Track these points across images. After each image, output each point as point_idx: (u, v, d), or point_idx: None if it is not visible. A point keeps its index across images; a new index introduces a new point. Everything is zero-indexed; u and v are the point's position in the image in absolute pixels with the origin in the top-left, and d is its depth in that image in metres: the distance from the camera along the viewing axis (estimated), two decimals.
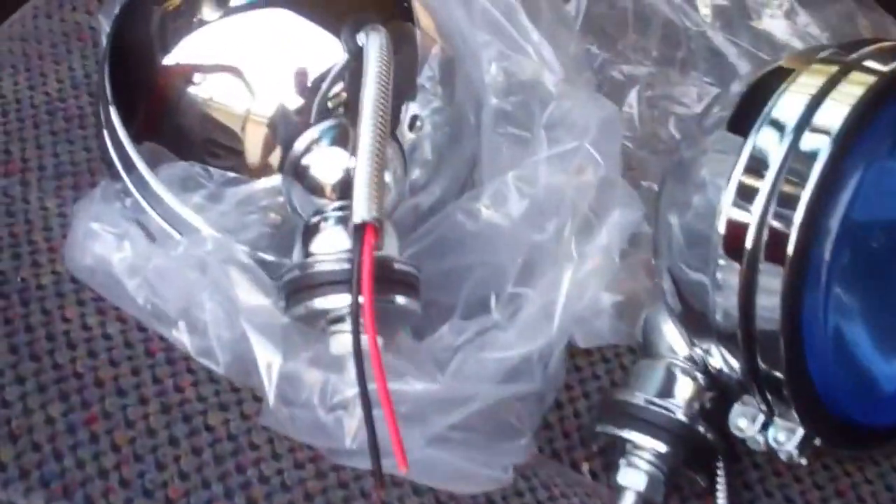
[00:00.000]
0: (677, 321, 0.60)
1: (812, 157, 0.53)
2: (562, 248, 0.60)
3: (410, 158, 0.60)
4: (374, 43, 0.55)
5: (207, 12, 0.59)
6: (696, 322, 0.58)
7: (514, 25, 0.64)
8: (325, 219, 0.55)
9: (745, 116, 0.57)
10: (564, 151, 0.60)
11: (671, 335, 0.61)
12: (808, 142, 0.53)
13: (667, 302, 0.60)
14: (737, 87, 0.59)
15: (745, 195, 0.54)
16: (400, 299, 0.54)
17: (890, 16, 0.86)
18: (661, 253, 0.60)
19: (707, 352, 0.59)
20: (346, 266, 0.52)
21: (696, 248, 0.57)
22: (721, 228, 0.55)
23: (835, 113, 0.53)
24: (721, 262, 0.55)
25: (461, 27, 0.64)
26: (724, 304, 0.55)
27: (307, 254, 0.55)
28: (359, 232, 0.51)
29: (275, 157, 0.58)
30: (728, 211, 0.55)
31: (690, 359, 0.61)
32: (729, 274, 0.55)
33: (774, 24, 0.82)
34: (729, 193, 0.55)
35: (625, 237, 0.61)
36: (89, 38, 0.76)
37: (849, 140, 0.53)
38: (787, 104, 0.55)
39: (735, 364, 0.57)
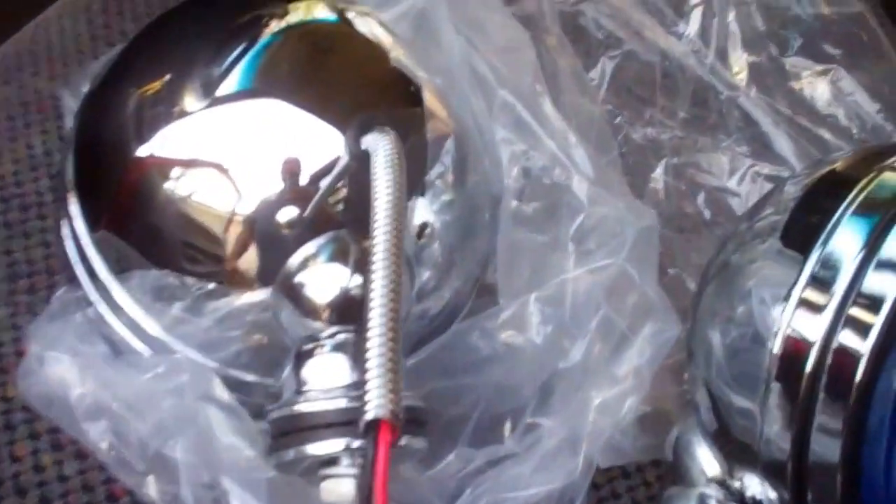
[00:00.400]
0: (713, 444, 0.54)
1: (888, 277, 0.47)
2: (588, 374, 0.52)
3: (418, 260, 0.52)
4: (383, 152, 0.47)
5: (191, 101, 0.52)
6: (737, 449, 0.52)
7: (536, 117, 0.56)
8: (321, 346, 0.48)
9: (802, 228, 0.51)
10: (596, 268, 0.53)
11: (705, 459, 0.55)
12: (885, 259, 0.47)
13: (702, 420, 0.54)
14: (791, 189, 0.53)
15: (806, 317, 0.48)
16: (406, 440, 0.46)
17: None
18: (698, 364, 0.54)
19: (746, 481, 0.52)
20: (344, 405, 0.45)
21: (742, 369, 0.51)
22: (777, 351, 0.48)
23: None
24: (774, 388, 0.49)
25: (477, 117, 0.57)
26: (775, 433, 0.49)
27: (299, 386, 0.47)
28: (371, 430, 0.43)
29: (263, 268, 0.50)
30: (785, 333, 0.48)
31: (726, 487, 0.54)
32: (783, 402, 0.48)
33: (815, 87, 0.75)
34: (787, 314, 0.48)
35: (660, 358, 0.54)
36: (51, 108, 0.67)
37: None
38: (859, 214, 0.49)
39: (778, 497, 0.51)
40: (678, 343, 0.56)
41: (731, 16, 0.76)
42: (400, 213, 0.46)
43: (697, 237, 0.69)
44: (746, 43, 0.75)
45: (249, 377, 0.53)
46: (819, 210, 0.51)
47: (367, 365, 0.43)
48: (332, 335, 0.48)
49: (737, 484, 0.53)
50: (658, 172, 0.71)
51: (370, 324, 0.44)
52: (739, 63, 0.75)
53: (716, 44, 0.76)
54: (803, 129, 0.72)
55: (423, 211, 0.53)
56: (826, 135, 0.73)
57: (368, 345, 0.43)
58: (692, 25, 0.77)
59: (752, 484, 0.52)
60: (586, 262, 0.54)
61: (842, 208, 0.50)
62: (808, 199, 0.53)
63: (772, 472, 0.50)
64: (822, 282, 0.48)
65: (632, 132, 0.73)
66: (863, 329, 0.46)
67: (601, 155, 0.62)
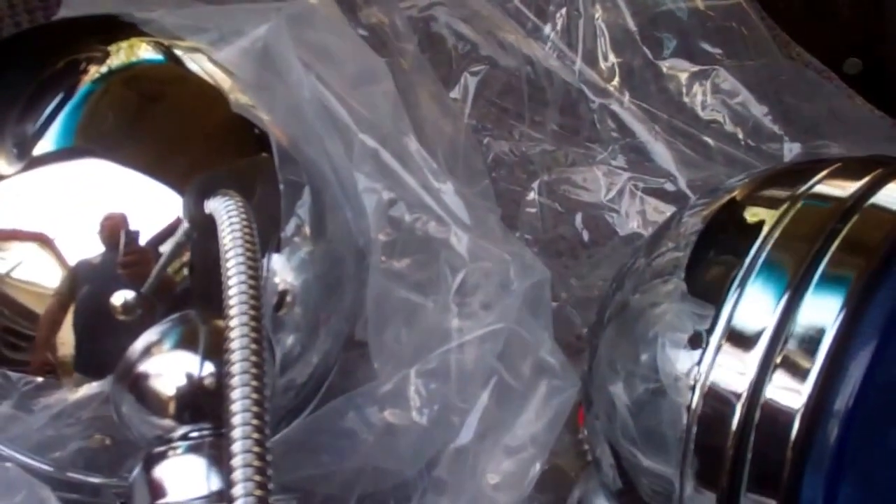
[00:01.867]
0: None
1: (818, 323, 0.42)
2: (482, 450, 0.47)
3: (280, 326, 0.47)
4: (229, 219, 0.42)
5: (2, 164, 0.45)
6: None
7: (401, 160, 0.51)
8: (173, 448, 0.43)
9: (710, 268, 0.47)
10: (484, 335, 0.48)
11: None
12: (812, 304, 0.43)
13: (605, 481, 0.49)
14: (690, 220, 0.49)
15: (727, 370, 0.43)
16: None
17: (811, 69, 0.76)
18: (597, 415, 0.49)
19: None
20: None
21: (651, 426, 0.46)
22: (696, 407, 0.44)
23: (843, 268, 0.43)
24: (695, 452, 0.44)
25: (335, 163, 0.51)
26: (695, 500, 0.44)
27: (153, 498, 0.42)
28: None
29: (98, 358, 0.45)
30: (704, 387, 0.44)
31: None
32: (705, 465, 0.44)
33: (695, 90, 0.72)
34: (704, 366, 0.44)
35: (560, 420, 0.49)
36: None
37: (862, 302, 0.42)
38: (775, 260, 0.44)
39: None
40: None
41: (598, 14, 0.71)
42: (256, 288, 0.41)
43: (576, 262, 0.65)
44: (617, 44, 0.71)
45: (93, 479, 0.47)
46: (727, 247, 0.47)
47: (233, 476, 0.38)
48: (185, 435, 0.42)
49: None
50: (532, 195, 0.67)
51: (233, 422, 0.38)
52: (610, 67, 0.71)
53: (583, 46, 0.72)
54: (684, 135, 0.68)
55: (281, 269, 0.48)
56: (710, 141, 0.68)
57: (233, 449, 0.38)
58: (556, 27, 0.72)
59: None
60: (472, 325, 0.48)
61: (757, 246, 0.45)
62: (711, 234, 0.48)
63: None
64: (742, 331, 0.43)
65: (501, 151, 0.68)
66: (795, 380, 0.42)
67: (471, 185, 0.57)
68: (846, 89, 0.75)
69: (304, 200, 0.49)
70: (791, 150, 0.69)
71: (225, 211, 0.42)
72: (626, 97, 0.71)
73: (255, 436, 0.38)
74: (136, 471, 0.44)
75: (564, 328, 0.61)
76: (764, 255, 0.45)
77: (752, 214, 0.47)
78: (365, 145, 0.51)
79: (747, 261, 0.45)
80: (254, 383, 0.39)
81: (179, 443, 0.43)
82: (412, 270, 0.51)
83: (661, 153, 0.69)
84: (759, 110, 0.69)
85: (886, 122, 0.74)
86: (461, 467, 0.48)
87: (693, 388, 0.44)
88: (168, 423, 0.43)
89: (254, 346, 0.39)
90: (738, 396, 0.43)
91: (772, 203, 0.47)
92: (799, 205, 0.46)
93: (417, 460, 0.49)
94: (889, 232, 0.43)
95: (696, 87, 0.71)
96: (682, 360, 0.45)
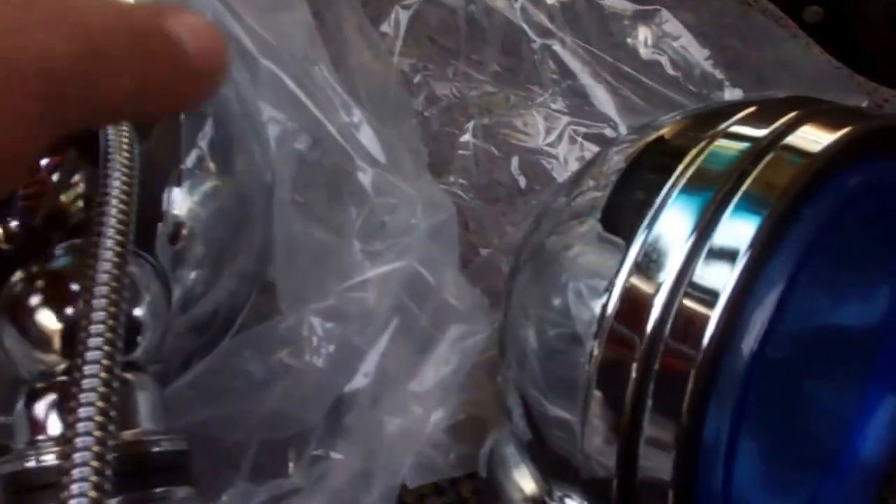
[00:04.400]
0: (528, 458, 0.49)
1: (723, 263, 0.42)
2: (383, 394, 0.47)
3: (181, 262, 0.46)
4: (108, 146, 0.41)
5: None
6: (555, 464, 0.48)
7: (307, 90, 0.50)
8: (54, 385, 0.42)
9: (625, 208, 0.46)
10: (384, 274, 0.48)
11: (521, 475, 0.51)
12: (718, 243, 0.43)
13: (515, 431, 0.49)
14: (615, 158, 0.48)
15: (630, 315, 0.43)
16: (164, 492, 0.41)
17: (768, 15, 0.76)
18: (510, 364, 0.49)
19: (567, 501, 0.48)
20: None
21: (558, 373, 0.47)
22: (597, 353, 0.44)
23: (752, 207, 0.43)
24: (595, 397, 0.44)
25: (241, 93, 0.51)
26: (597, 448, 0.45)
27: (32, 434, 0.42)
28: None
29: None
30: (606, 332, 0.44)
31: None
32: (605, 412, 0.44)
33: (637, 32, 0.71)
34: (608, 311, 0.44)
35: (466, 365, 0.49)
36: None
37: (770, 242, 0.42)
38: (689, 190, 0.44)
39: None
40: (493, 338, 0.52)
41: None
42: (126, 213, 0.40)
43: (512, 209, 0.65)
44: None
45: None
46: (644, 186, 0.46)
47: (75, 414, 0.37)
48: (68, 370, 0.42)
49: (556, 501, 0.49)
50: (466, 137, 0.66)
51: (81, 365, 0.37)
52: (553, 6, 0.70)
53: None
54: (626, 79, 0.68)
55: (180, 202, 0.47)
56: (652, 85, 0.68)
57: (82, 385, 0.37)
58: None
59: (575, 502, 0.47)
60: (374, 264, 0.48)
61: (669, 184, 0.45)
62: (632, 173, 0.48)
63: (595, 491, 0.46)
64: (647, 273, 0.43)
65: (436, 90, 0.67)
66: (695, 327, 0.42)
67: (396, 123, 0.57)
68: (804, 37, 0.75)
69: (205, 132, 0.49)
70: (732, 97, 0.68)
71: (107, 138, 0.42)
72: (569, 38, 0.70)
73: (104, 375, 0.37)
74: (18, 406, 0.43)
75: (495, 275, 0.61)
76: (673, 196, 0.45)
77: (671, 151, 0.47)
78: (269, 72, 0.51)
79: (657, 202, 0.45)
80: (105, 314, 0.38)
81: (63, 377, 0.42)
82: (317, 206, 0.50)
83: (602, 97, 0.69)
84: (700, 54, 0.69)
85: (843, 73, 0.74)
86: (361, 412, 0.48)
87: (596, 334, 0.44)
88: (52, 357, 0.43)
89: (113, 280, 0.39)
90: (639, 342, 0.43)
91: (689, 142, 0.47)
92: (713, 144, 0.46)
93: (318, 405, 0.49)
94: (798, 174, 0.43)
95: (640, 29, 0.70)
96: (588, 305, 0.45)
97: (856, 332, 0.50)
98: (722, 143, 0.46)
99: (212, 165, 0.49)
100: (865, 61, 0.74)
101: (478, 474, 0.54)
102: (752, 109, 0.47)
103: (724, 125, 0.47)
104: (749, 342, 0.42)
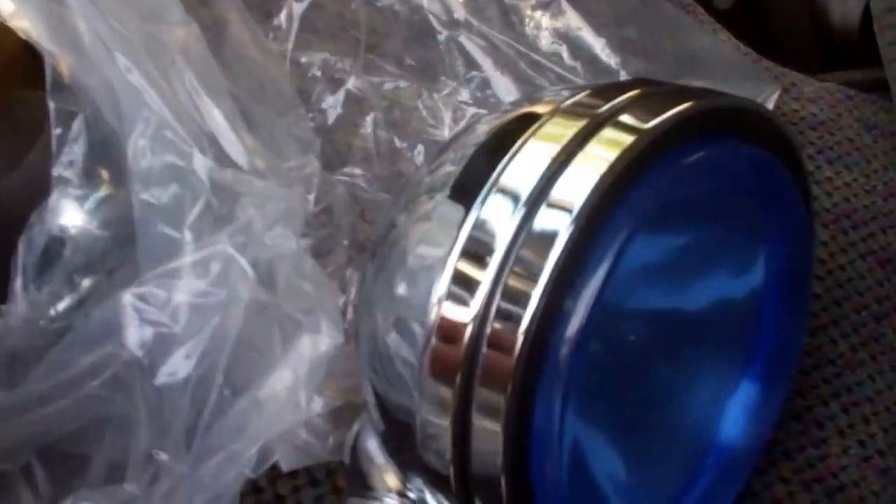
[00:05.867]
0: (384, 448, 0.48)
1: (547, 240, 0.41)
2: (214, 394, 0.46)
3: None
4: None
5: None
6: (403, 455, 0.47)
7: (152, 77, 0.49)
8: None
9: (474, 179, 0.45)
10: (201, 259, 0.46)
11: (381, 464, 0.49)
12: (544, 221, 0.41)
13: (373, 421, 0.48)
14: (479, 130, 0.47)
15: (461, 291, 0.42)
16: None
17: (681, 7, 0.75)
18: (362, 351, 0.48)
19: (421, 492, 0.47)
20: None
21: (398, 358, 0.45)
22: (429, 338, 0.43)
23: (578, 183, 0.42)
24: (428, 382, 0.43)
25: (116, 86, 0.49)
26: (434, 437, 0.44)
27: None
28: None
29: None
30: (437, 313, 0.42)
31: (406, 498, 0.49)
32: (438, 398, 0.43)
33: (538, 23, 0.70)
34: (440, 288, 0.42)
35: (318, 374, 0.47)
36: None
37: (595, 219, 0.41)
38: (521, 167, 0.43)
39: None
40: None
41: None
42: None
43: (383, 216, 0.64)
44: None
45: None
46: (484, 162, 0.45)
47: None
48: None
49: (413, 495, 0.48)
50: (367, 129, 0.65)
51: None
52: None
53: None
54: (529, 69, 0.67)
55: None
56: (552, 75, 0.67)
57: None
58: None
59: (427, 496, 0.47)
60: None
61: (504, 161, 0.44)
62: (485, 147, 0.47)
63: (438, 483, 0.45)
64: (481, 245, 0.42)
65: (335, 84, 0.66)
66: (521, 304, 0.41)
67: (282, 114, 0.56)
68: (711, 24, 0.74)
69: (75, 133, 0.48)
70: None
71: None
72: (474, 28, 0.69)
73: None
74: None
75: None
76: (507, 172, 0.44)
77: (513, 130, 0.46)
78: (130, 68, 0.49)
79: (492, 177, 0.44)
80: None
81: None
82: (168, 201, 0.49)
83: (506, 88, 0.68)
84: (597, 43, 0.68)
85: (750, 58, 0.73)
86: (181, 405, 0.46)
87: (428, 318, 0.43)
88: None
89: None
90: (467, 326, 0.42)
91: (533, 117, 0.46)
92: (551, 120, 0.45)
93: (138, 401, 0.48)
94: (627, 150, 0.42)
95: (540, 19, 0.69)
96: (423, 287, 0.44)
97: (712, 313, 0.49)
98: (558, 119, 0.44)
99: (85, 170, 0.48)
100: (775, 46, 0.73)
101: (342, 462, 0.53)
102: (596, 87, 0.46)
103: (571, 100, 0.46)
104: (574, 323, 0.41)
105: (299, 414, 0.47)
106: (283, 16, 0.66)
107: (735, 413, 0.52)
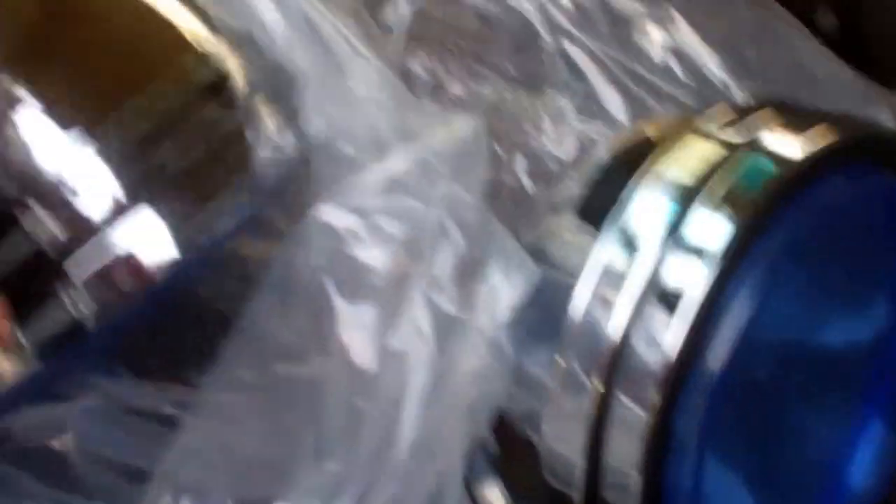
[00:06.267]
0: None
1: (694, 266, 0.41)
2: None
3: None
4: None
5: None
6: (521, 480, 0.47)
7: None
8: None
9: (600, 201, 0.45)
10: None
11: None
12: (680, 257, 0.42)
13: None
14: (602, 152, 0.47)
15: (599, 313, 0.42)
16: None
17: (796, 28, 0.73)
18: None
19: None
20: None
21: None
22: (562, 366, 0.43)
23: (721, 220, 0.41)
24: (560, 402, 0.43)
25: None
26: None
27: None
28: None
29: None
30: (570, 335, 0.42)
31: None
32: (570, 424, 0.43)
33: (649, 34, 0.69)
34: (577, 310, 0.42)
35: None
36: None
37: (737, 259, 0.41)
38: (648, 198, 0.44)
39: None
40: None
41: None
42: None
43: (516, 209, 0.63)
44: None
45: None
46: (618, 182, 0.45)
47: None
48: None
49: None
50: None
51: None
52: (565, 5, 0.69)
53: None
54: (638, 83, 0.66)
55: None
56: (663, 90, 0.66)
57: None
58: None
59: None
60: None
61: (639, 183, 0.44)
62: (610, 169, 0.48)
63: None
64: (612, 276, 0.42)
65: (440, 90, 0.66)
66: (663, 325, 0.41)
67: None
68: (817, 45, 0.73)
69: None
70: None
71: None
72: (582, 38, 0.69)
73: None
74: None
75: None
76: (642, 195, 0.43)
77: (643, 152, 0.46)
78: None
79: (623, 196, 0.44)
80: None
81: None
82: None
83: (613, 101, 0.67)
84: (711, 60, 0.67)
85: (860, 82, 0.72)
86: None
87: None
88: None
89: None
90: (603, 351, 0.42)
91: (671, 139, 0.46)
92: (689, 145, 0.45)
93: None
94: (768, 185, 0.42)
95: (651, 31, 0.69)
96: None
97: (840, 353, 0.48)
98: (698, 143, 0.44)
99: None
100: (878, 69, 0.72)
101: None
102: (732, 111, 0.46)
103: (705, 126, 0.45)
104: (718, 353, 0.41)
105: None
106: (389, 23, 0.66)
107: (862, 455, 0.51)
